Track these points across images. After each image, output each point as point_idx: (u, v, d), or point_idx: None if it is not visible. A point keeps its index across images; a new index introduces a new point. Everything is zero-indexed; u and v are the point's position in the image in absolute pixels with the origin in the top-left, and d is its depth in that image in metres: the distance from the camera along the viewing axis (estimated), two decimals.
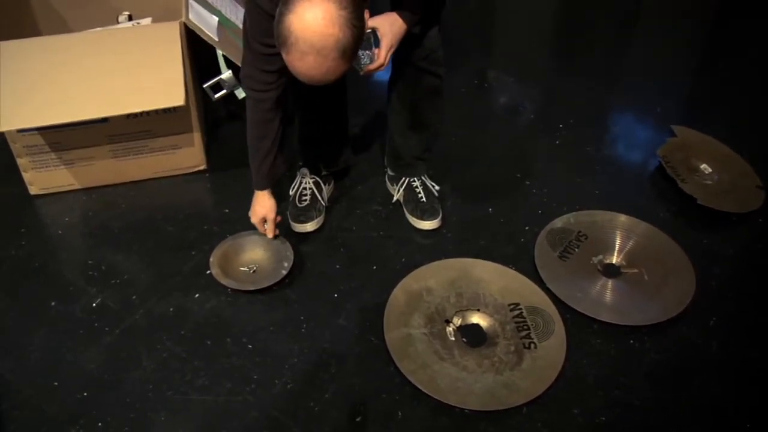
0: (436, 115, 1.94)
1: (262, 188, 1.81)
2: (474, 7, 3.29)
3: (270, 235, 1.87)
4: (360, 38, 1.30)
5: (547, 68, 2.93)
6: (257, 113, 1.67)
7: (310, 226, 1.98)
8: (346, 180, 2.19)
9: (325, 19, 1.22)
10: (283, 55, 1.29)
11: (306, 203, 2.00)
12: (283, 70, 1.42)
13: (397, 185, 2.07)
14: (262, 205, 1.83)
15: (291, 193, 2.04)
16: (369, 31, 1.47)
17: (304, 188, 2.01)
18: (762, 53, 3.00)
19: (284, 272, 1.82)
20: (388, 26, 1.53)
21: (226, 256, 1.88)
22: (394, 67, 1.82)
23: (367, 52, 1.50)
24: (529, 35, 3.12)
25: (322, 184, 2.04)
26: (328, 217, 2.04)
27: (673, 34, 3.16)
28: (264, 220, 1.85)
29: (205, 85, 2.15)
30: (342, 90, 1.92)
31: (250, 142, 1.73)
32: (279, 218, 1.88)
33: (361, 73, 1.54)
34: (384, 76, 1.88)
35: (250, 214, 1.86)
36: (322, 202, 2.02)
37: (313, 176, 2.03)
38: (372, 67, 1.53)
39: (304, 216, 1.98)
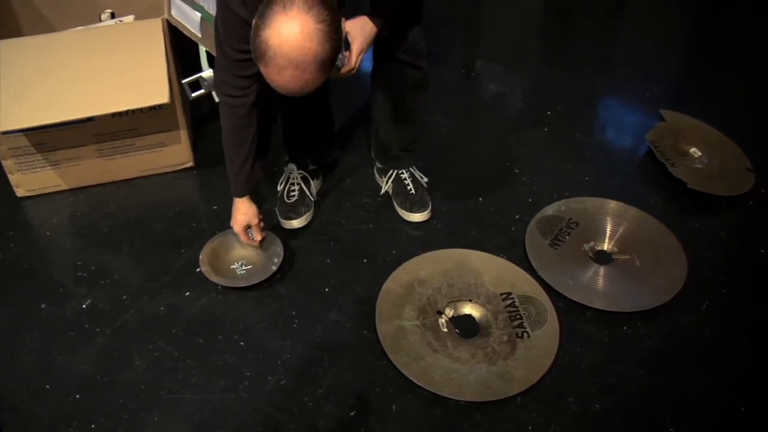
0: (420, 108, 1.93)
1: (241, 195, 1.76)
2: None
3: (258, 238, 1.84)
4: (338, 50, 1.28)
5: (535, 56, 2.92)
6: (233, 119, 1.63)
7: (299, 222, 1.97)
8: (335, 173, 2.18)
9: (303, 33, 1.20)
10: (261, 69, 1.27)
11: (294, 199, 1.98)
12: (258, 75, 1.40)
13: (385, 177, 2.06)
14: (243, 213, 1.79)
15: (279, 189, 2.03)
16: None
17: (292, 184, 2.00)
18: (749, 37, 3.00)
19: (274, 268, 1.82)
20: (359, 29, 1.52)
21: (216, 253, 1.87)
22: (376, 61, 1.80)
23: (338, 55, 1.48)
24: (517, 24, 3.10)
25: (310, 179, 2.03)
26: (318, 212, 2.03)
27: (661, 20, 3.15)
28: (247, 227, 1.82)
29: (183, 81, 2.12)
30: (325, 88, 1.90)
31: (226, 149, 1.70)
32: (263, 222, 1.85)
33: (332, 77, 1.52)
34: (367, 69, 1.87)
35: (232, 223, 1.81)
36: (310, 197, 2.01)
37: (300, 171, 2.02)
38: (343, 71, 1.51)
39: (293, 212, 1.97)
